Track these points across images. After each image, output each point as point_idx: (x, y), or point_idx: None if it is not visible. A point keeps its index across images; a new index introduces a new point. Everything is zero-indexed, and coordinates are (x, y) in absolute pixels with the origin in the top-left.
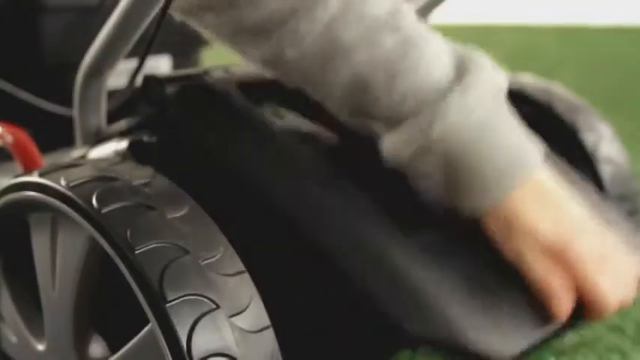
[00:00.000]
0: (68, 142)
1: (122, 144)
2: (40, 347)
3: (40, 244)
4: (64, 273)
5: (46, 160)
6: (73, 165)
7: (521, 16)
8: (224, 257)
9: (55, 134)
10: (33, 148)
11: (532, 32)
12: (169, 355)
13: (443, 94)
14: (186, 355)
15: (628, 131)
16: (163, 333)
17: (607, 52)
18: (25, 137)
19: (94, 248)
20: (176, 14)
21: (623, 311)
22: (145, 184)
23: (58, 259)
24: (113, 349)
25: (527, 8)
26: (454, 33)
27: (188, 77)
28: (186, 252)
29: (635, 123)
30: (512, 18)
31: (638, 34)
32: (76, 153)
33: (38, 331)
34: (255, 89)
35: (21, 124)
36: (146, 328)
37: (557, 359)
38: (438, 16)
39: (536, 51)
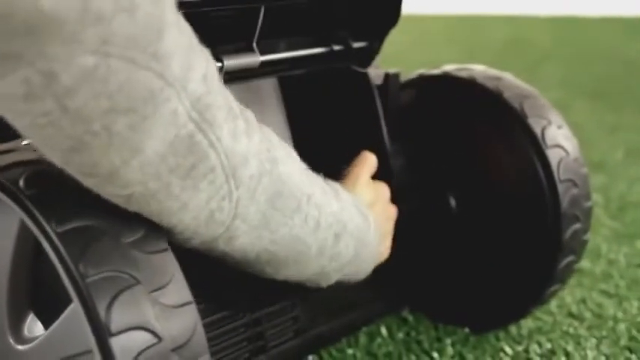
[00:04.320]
0: None
1: None
2: None
3: None
4: None
5: None
6: (7, 151)
7: (512, 6)
8: (147, 236)
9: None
10: None
11: (523, 23)
12: (90, 329)
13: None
14: (104, 329)
15: (609, 122)
16: (83, 308)
17: (597, 42)
18: None
19: (26, 230)
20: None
21: (580, 299)
22: None
23: None
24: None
25: None
26: (447, 23)
27: None
28: (109, 230)
29: (616, 114)
30: (503, 9)
31: (629, 25)
32: (24, 141)
33: None
34: None
35: None
36: (70, 306)
37: (511, 348)
38: (430, 6)
39: (527, 42)
